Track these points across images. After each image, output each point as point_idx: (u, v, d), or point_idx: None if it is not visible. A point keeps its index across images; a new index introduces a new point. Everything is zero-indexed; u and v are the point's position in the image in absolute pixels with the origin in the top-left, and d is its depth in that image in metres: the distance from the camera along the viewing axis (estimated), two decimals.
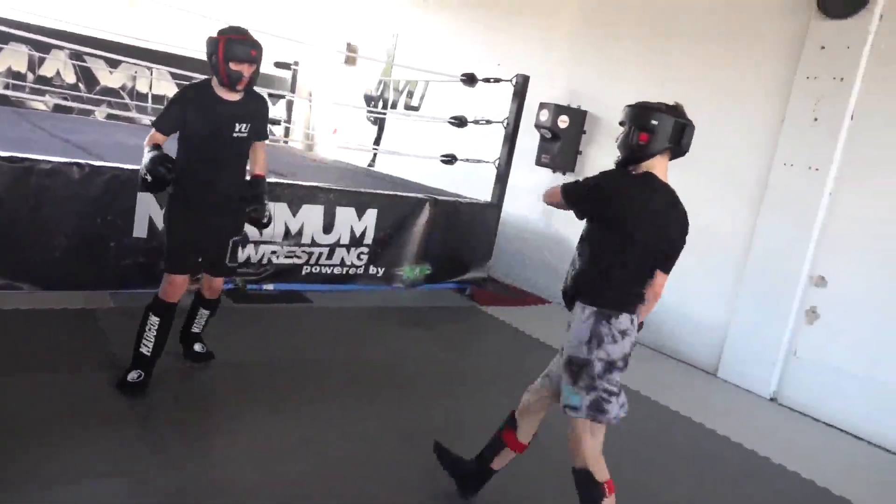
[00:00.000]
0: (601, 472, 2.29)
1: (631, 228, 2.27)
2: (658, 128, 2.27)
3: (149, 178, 2.84)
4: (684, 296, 5.16)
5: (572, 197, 2.39)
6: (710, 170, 5.05)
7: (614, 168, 2.41)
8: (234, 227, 3.29)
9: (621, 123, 2.39)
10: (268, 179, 4.92)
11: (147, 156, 2.88)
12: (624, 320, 2.28)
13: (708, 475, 3.35)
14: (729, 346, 4.88)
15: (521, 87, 6.12)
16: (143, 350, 3.08)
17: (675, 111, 2.34)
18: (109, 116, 8.96)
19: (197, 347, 3.54)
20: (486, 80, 6.24)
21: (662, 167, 2.34)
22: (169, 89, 9.74)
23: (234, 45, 2.90)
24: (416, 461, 2.94)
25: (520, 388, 3.95)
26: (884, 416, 4.06)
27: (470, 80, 6.25)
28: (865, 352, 4.18)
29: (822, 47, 4.42)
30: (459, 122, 6.33)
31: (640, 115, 2.31)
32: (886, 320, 4.10)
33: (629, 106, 2.38)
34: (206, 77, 3.13)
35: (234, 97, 3.04)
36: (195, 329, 3.53)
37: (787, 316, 4.55)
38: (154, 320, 3.07)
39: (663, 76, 5.53)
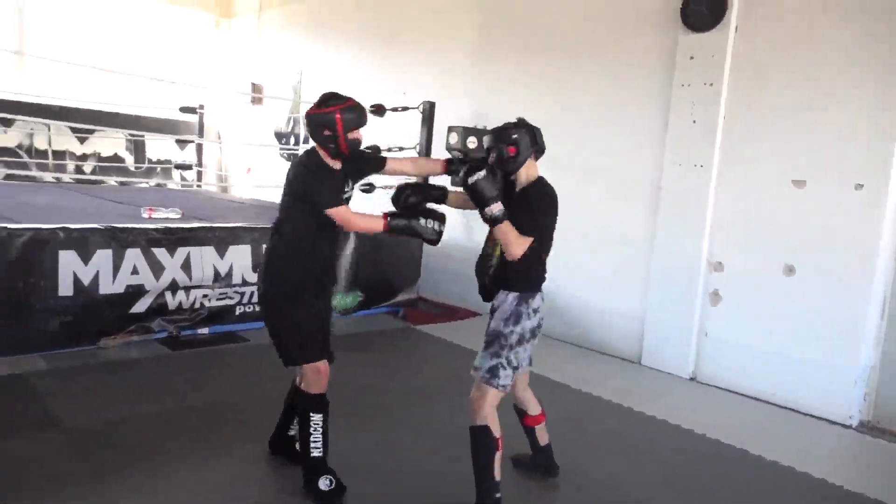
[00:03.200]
0: (496, 429, 2.71)
1: (550, 225, 2.81)
2: (520, 139, 2.76)
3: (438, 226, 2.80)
4: (602, 293, 5.57)
5: (536, 234, 2.70)
6: (608, 176, 5.51)
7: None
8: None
9: (488, 149, 2.83)
10: (190, 225, 5.02)
11: (422, 223, 2.78)
12: (537, 299, 2.79)
13: (639, 451, 3.66)
14: (648, 335, 5.29)
15: (428, 113, 6.42)
16: (316, 453, 2.83)
17: (524, 122, 2.84)
18: (7, 177, 8.60)
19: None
20: (395, 109, 6.51)
21: (534, 167, 2.83)
22: (69, 144, 9.47)
23: (350, 114, 2.74)
24: (361, 484, 3.07)
25: (460, 397, 4.18)
26: (786, 381, 4.54)
27: (378, 110, 6.50)
28: (763, 325, 4.67)
29: (692, 57, 4.95)
30: (373, 150, 6.54)
31: (502, 135, 2.78)
32: (775, 295, 4.61)
33: (490, 132, 2.85)
34: (309, 148, 2.86)
35: (339, 164, 2.85)
36: (293, 432, 3.11)
37: (695, 300, 5.00)
38: (317, 418, 2.83)
39: (559, 93, 5.97)
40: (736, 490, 3.31)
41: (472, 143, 6.60)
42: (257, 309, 5.30)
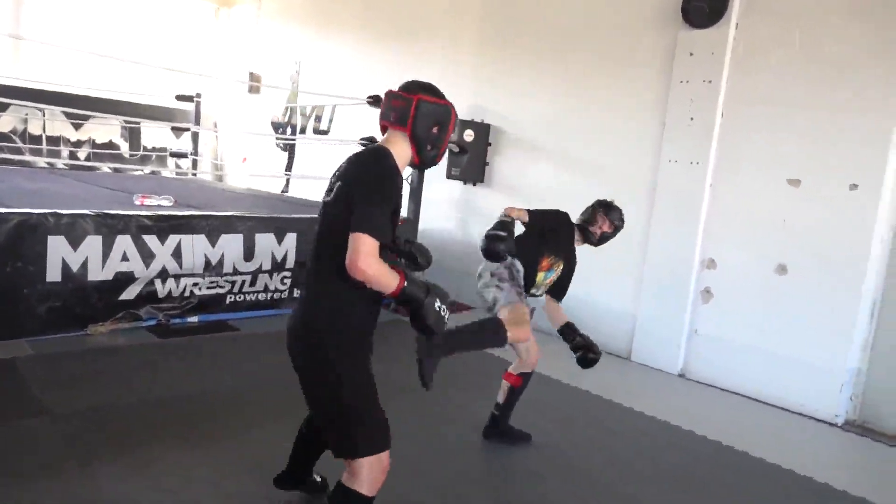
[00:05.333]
0: None
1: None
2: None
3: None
4: (593, 289, 5.54)
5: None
6: (606, 173, 5.49)
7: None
8: None
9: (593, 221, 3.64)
10: (182, 212, 4.99)
11: None
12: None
13: (627, 446, 3.66)
14: (638, 332, 5.29)
15: None
16: None
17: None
18: (0, 161, 8.54)
19: (318, 477, 2.78)
20: None
21: None
22: (64, 130, 9.42)
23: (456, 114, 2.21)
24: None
25: (452, 388, 4.20)
26: (773, 380, 4.55)
27: (376, 101, 6.46)
28: (753, 323, 4.67)
29: (691, 54, 4.93)
30: (370, 142, 6.52)
31: (621, 225, 3.67)
32: (766, 293, 4.60)
33: (604, 209, 3.62)
34: (377, 145, 2.19)
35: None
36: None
37: (686, 298, 5.00)
38: None
39: (558, 88, 5.95)
40: (722, 486, 3.31)
41: (468, 136, 6.59)
42: (248, 297, 5.29)
